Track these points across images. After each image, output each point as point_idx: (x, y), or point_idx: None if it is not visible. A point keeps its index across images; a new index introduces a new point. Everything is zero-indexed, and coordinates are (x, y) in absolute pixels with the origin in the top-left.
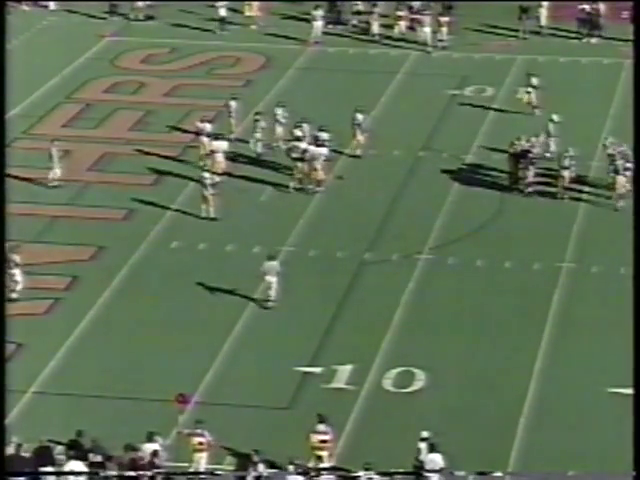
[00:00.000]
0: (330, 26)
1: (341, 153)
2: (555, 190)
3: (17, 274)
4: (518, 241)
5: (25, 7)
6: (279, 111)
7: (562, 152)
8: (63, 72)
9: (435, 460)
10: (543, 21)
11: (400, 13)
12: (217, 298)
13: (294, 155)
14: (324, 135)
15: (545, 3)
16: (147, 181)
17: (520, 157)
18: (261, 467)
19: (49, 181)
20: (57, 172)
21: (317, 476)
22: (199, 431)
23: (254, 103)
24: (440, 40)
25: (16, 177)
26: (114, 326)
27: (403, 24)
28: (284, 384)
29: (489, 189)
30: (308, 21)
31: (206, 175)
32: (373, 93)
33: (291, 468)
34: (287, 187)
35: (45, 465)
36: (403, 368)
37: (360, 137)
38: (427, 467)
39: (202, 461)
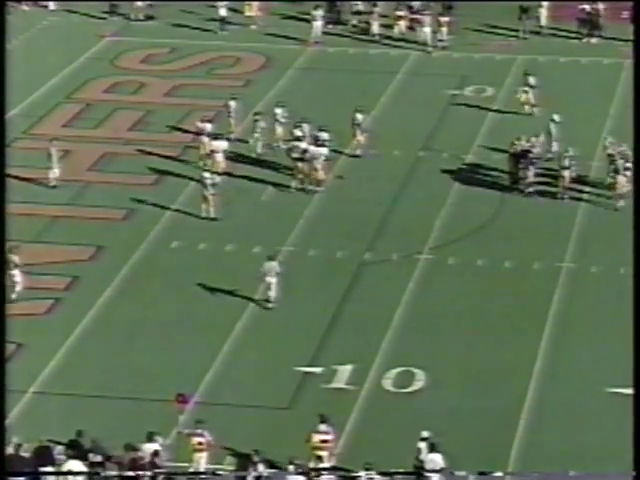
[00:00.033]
0: (330, 26)
1: (341, 153)
2: (555, 190)
3: (17, 275)
4: (518, 241)
5: (25, 7)
6: (279, 111)
7: (562, 152)
8: (63, 72)
9: (435, 460)
10: (543, 21)
11: (400, 13)
12: (217, 298)
13: (294, 155)
14: (324, 135)
15: (545, 3)
16: (147, 181)
17: (520, 157)
18: (261, 467)
19: (49, 181)
20: (56, 172)
21: (317, 476)
22: (199, 431)
23: (254, 103)
24: (440, 40)
25: (16, 177)
26: (114, 326)
27: (403, 24)
28: (284, 384)
29: (489, 189)
30: (308, 21)
31: (206, 175)
32: (373, 93)
33: (291, 468)
34: (287, 187)
35: (45, 465)
36: (403, 368)
37: (360, 137)
38: (427, 467)
39: (202, 461)
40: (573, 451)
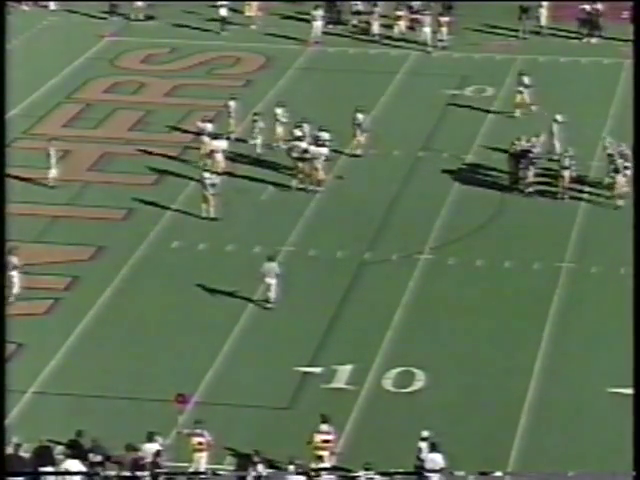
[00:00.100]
0: (330, 26)
1: (341, 153)
2: (555, 190)
3: (15, 276)
4: (518, 241)
5: (25, 7)
6: (279, 111)
7: (562, 152)
8: (63, 72)
9: (435, 460)
10: (543, 21)
11: (399, 13)
12: (217, 298)
13: (294, 155)
14: (324, 135)
15: (545, 3)
16: (147, 181)
17: (520, 157)
18: (260, 467)
19: (49, 181)
20: (54, 172)
21: (317, 476)
22: (199, 431)
23: (254, 103)
24: (440, 40)
25: (16, 177)
26: (114, 326)
27: (402, 24)
28: (284, 384)
29: (489, 189)
30: (308, 21)
31: (206, 175)
32: (373, 93)
33: (291, 468)
34: (287, 187)
35: (45, 465)
36: (403, 368)
37: (360, 137)
38: (427, 466)
39: (202, 461)
40: (573, 451)
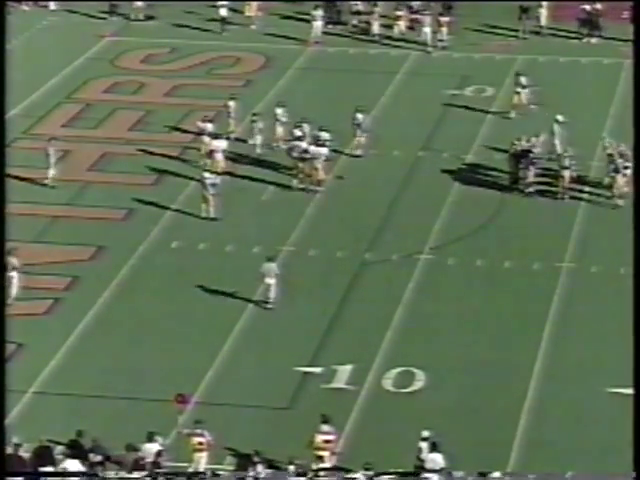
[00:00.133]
0: (330, 26)
1: (341, 153)
2: (555, 190)
3: (14, 277)
4: (518, 241)
5: (25, 7)
6: (279, 111)
7: (562, 152)
8: (63, 72)
9: (436, 460)
10: (543, 21)
11: (399, 13)
12: (217, 298)
13: (295, 154)
14: (324, 135)
15: (545, 3)
16: (147, 181)
17: (520, 157)
18: (260, 468)
19: (49, 181)
20: (53, 172)
21: (317, 476)
22: (199, 431)
23: (254, 103)
24: (440, 40)
25: (16, 177)
26: (114, 326)
27: (402, 24)
28: (284, 384)
29: (489, 189)
30: (308, 21)
31: (207, 175)
32: (373, 93)
33: (292, 468)
34: (287, 187)
35: (45, 465)
36: (403, 368)
37: (360, 137)
38: (427, 466)
39: (202, 461)
40: (573, 451)
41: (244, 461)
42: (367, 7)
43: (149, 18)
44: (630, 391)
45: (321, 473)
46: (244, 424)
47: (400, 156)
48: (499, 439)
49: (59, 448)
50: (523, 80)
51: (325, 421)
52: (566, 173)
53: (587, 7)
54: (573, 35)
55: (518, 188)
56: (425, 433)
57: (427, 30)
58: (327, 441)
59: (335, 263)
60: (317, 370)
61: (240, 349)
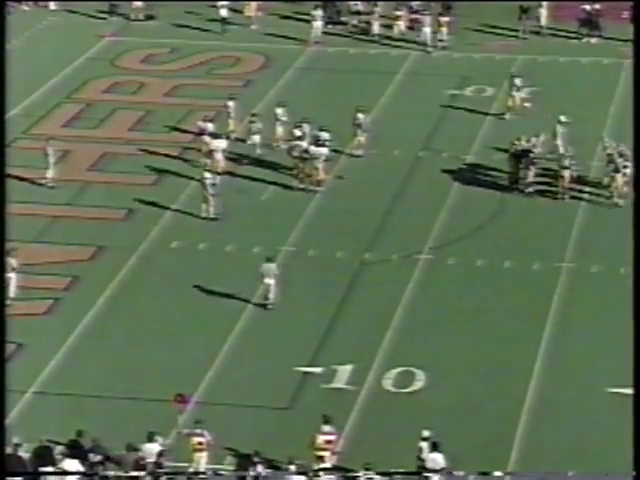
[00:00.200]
0: (330, 26)
1: (341, 153)
2: (555, 190)
3: (13, 278)
4: (518, 241)
5: (25, 7)
6: (280, 111)
7: (562, 152)
8: (63, 72)
9: (436, 460)
10: (543, 21)
11: (398, 13)
12: (217, 298)
13: (295, 155)
14: (324, 135)
15: (545, 3)
16: (147, 181)
17: (520, 157)
18: (259, 468)
19: (48, 181)
20: (51, 172)
21: (317, 476)
22: (199, 431)
23: (254, 103)
24: (440, 40)
25: (16, 177)
26: (114, 326)
27: (402, 24)
28: (284, 384)
29: (489, 189)
30: (308, 21)
31: (207, 175)
32: (373, 93)
33: (292, 468)
34: (287, 187)
35: (45, 465)
36: (403, 368)
37: (360, 137)
38: (428, 466)
39: (202, 461)
40: (573, 451)
41: (244, 461)
42: (367, 7)
43: (149, 18)
44: (630, 391)
45: (321, 473)
46: (244, 424)
47: (400, 156)
48: (499, 439)
49: (59, 448)
50: (518, 82)
51: (326, 421)
52: (566, 173)
53: (587, 7)
54: (573, 35)
55: (518, 188)
56: (425, 433)
57: (427, 30)
58: (328, 441)
59: (335, 263)
60: (317, 370)
61: (240, 349)
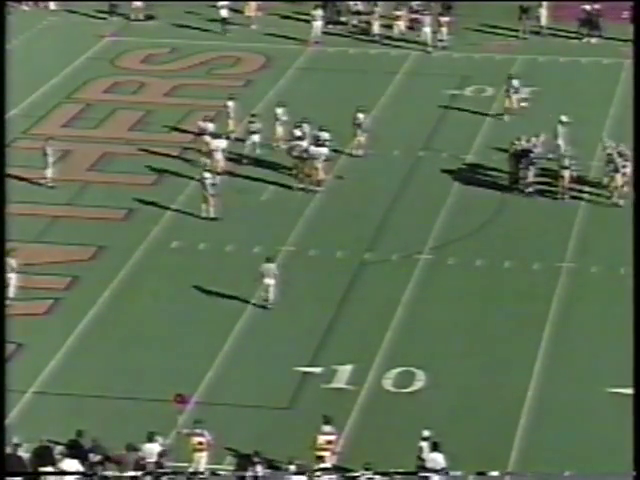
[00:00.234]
0: (330, 26)
1: (341, 153)
2: (555, 190)
3: (12, 278)
4: (518, 241)
5: (25, 7)
6: (280, 111)
7: (562, 152)
8: (63, 72)
9: (436, 459)
10: (543, 21)
11: (398, 13)
12: (217, 298)
13: (294, 155)
14: (324, 135)
15: (545, 3)
16: (147, 181)
17: (520, 157)
18: (259, 468)
19: (48, 181)
20: (50, 172)
21: (317, 476)
22: (198, 431)
23: (254, 103)
24: (440, 40)
25: (16, 177)
26: (114, 326)
27: (402, 24)
28: (284, 384)
29: (489, 189)
30: (308, 21)
31: (207, 175)
32: (373, 93)
33: (292, 468)
34: (287, 187)
35: (45, 465)
36: (403, 368)
37: (360, 137)
38: (428, 466)
39: (202, 461)
40: (573, 451)
41: (244, 461)
42: (367, 7)
43: (149, 18)
44: (630, 391)
45: (321, 473)
46: (244, 424)
47: (400, 156)
48: (499, 439)
49: (59, 448)
50: (515, 83)
51: (327, 422)
52: (566, 173)
53: (587, 7)
54: (573, 35)
55: (518, 188)
56: (426, 433)
57: (427, 30)
58: (329, 442)
59: (335, 263)
60: (317, 370)
61: (240, 349)
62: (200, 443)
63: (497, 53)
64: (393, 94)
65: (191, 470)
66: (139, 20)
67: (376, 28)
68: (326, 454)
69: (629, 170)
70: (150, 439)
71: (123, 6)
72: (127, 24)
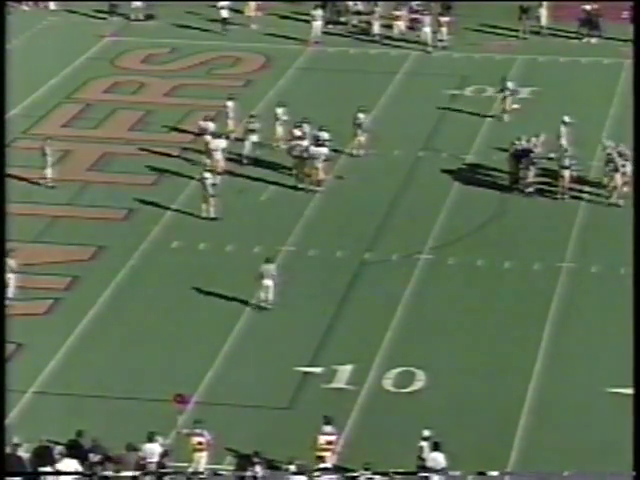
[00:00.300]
0: (330, 26)
1: (341, 153)
2: (555, 190)
3: (11, 278)
4: (518, 241)
5: (25, 7)
6: (280, 111)
7: (562, 152)
8: (63, 72)
9: (437, 459)
10: (543, 21)
11: (398, 13)
12: (217, 298)
13: (294, 155)
14: (324, 135)
15: (545, 3)
16: (147, 181)
17: (520, 157)
18: (258, 468)
19: (47, 181)
20: (49, 172)
21: (317, 476)
22: (198, 431)
23: (254, 103)
24: (440, 40)
25: (16, 177)
26: (114, 326)
27: (402, 24)
28: (284, 384)
29: (489, 189)
30: (308, 21)
31: (207, 175)
32: (373, 93)
33: (292, 468)
34: (287, 187)
35: (45, 465)
36: (403, 368)
37: (360, 137)
38: (428, 466)
39: (202, 461)
40: (573, 451)
41: (244, 461)
42: (367, 7)
43: (149, 18)
44: (630, 391)
45: (321, 473)
46: (244, 424)
47: (400, 156)
48: (499, 439)
49: (59, 448)
50: (510, 85)
51: (327, 422)
52: (566, 173)
53: (587, 7)
54: (573, 35)
55: (518, 188)
56: (426, 432)
57: (427, 30)
58: (330, 442)
59: (335, 263)
60: (317, 370)
61: (240, 349)
62: (200, 443)
63: (497, 53)
64: (393, 94)
65: (191, 470)
66: (139, 20)
67: (376, 28)
68: (327, 454)
69: (629, 170)
70: (150, 439)
71: (123, 6)
72: (127, 24)
